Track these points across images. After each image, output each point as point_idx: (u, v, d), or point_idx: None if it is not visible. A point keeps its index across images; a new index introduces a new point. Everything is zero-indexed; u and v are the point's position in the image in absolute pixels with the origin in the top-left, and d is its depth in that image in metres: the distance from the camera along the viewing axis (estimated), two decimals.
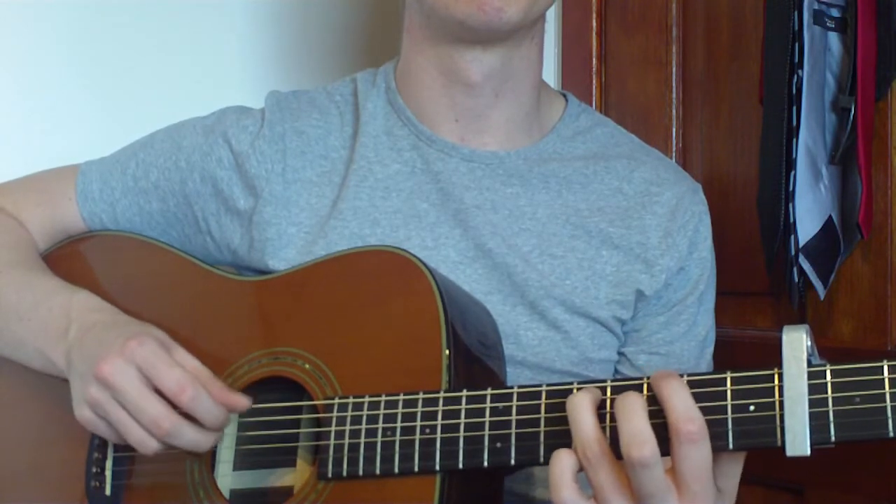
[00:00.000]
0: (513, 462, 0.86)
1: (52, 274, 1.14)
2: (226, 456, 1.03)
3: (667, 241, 1.13)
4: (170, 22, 1.64)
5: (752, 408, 0.79)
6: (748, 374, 0.80)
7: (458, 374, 0.92)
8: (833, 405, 0.77)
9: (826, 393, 0.77)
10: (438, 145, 1.14)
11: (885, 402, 0.75)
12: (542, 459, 0.85)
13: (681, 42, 1.65)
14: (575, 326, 1.10)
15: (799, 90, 1.32)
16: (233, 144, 1.15)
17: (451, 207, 1.12)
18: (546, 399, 0.86)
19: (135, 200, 1.18)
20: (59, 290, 1.10)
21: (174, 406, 0.96)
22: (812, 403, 0.77)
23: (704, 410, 0.79)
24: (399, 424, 0.91)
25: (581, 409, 0.81)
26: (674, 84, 1.65)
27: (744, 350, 1.48)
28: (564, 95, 1.23)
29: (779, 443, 0.78)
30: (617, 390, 0.83)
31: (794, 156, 1.32)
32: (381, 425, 0.91)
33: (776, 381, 0.79)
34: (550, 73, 1.78)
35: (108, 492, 1.05)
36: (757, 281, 1.47)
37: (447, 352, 0.92)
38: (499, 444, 0.87)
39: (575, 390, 0.84)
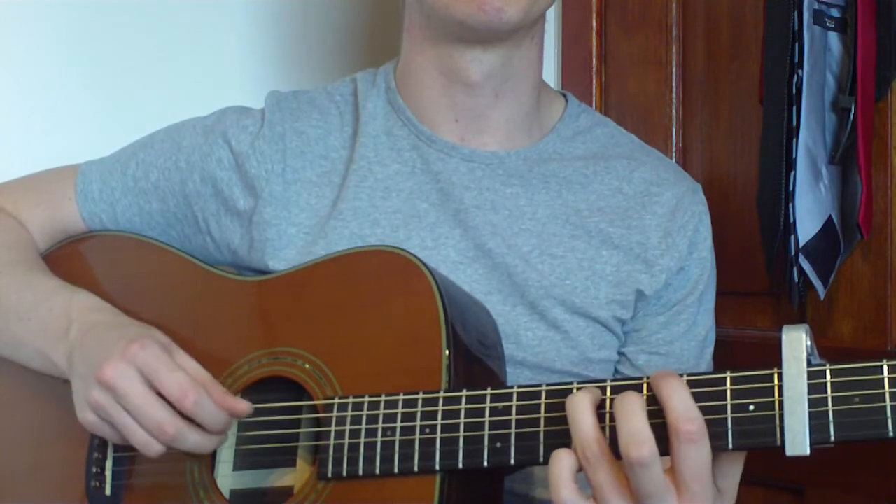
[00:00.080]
0: (512, 462, 0.86)
1: (52, 274, 1.14)
2: (226, 456, 1.04)
3: (667, 241, 1.13)
4: (170, 22, 1.63)
5: (751, 407, 0.79)
6: (748, 374, 0.80)
7: (457, 374, 0.92)
8: (833, 405, 0.77)
9: (826, 393, 0.77)
10: (438, 145, 1.14)
11: (884, 401, 0.76)
12: (541, 459, 0.85)
13: (681, 42, 1.65)
14: (575, 326, 1.10)
15: (799, 90, 1.32)
16: (233, 145, 1.15)
17: (451, 207, 1.12)
18: (546, 399, 0.86)
19: (135, 200, 1.18)
20: (59, 290, 1.10)
21: (176, 410, 0.96)
22: (812, 403, 0.77)
23: (704, 410, 0.79)
24: (399, 424, 0.91)
25: (580, 408, 0.81)
26: (674, 84, 1.65)
27: (744, 350, 1.48)
28: (564, 95, 1.23)
29: (778, 443, 0.78)
30: (616, 390, 0.83)
31: (794, 156, 1.32)
32: (380, 425, 0.91)
33: (776, 381, 0.79)
34: (550, 73, 1.78)
35: (108, 492, 1.05)
36: (757, 281, 1.47)
37: (447, 352, 0.92)
38: (498, 444, 0.87)
39: (575, 390, 0.84)
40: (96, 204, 1.19)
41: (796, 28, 1.32)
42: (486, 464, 0.87)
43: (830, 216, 1.35)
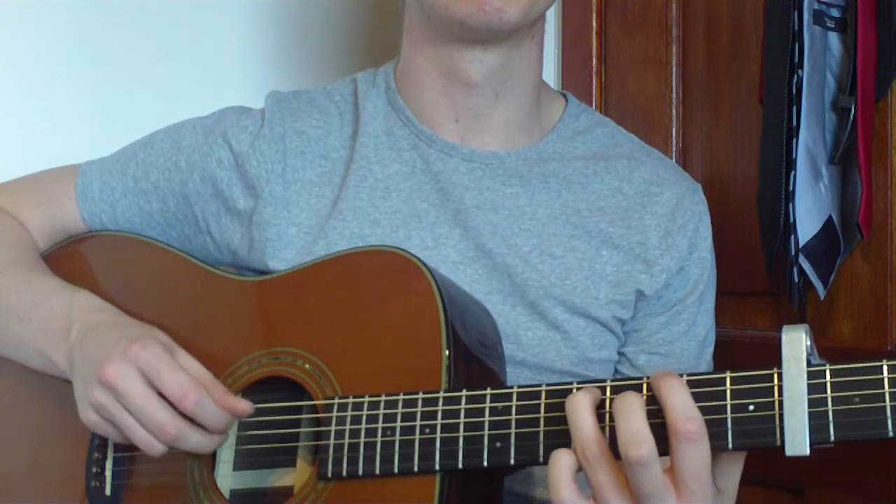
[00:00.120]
0: (512, 462, 0.86)
1: (52, 274, 1.14)
2: (226, 456, 1.04)
3: (667, 241, 1.13)
4: (170, 22, 1.64)
5: (751, 407, 0.79)
6: (748, 374, 0.80)
7: (457, 374, 0.92)
8: (832, 405, 0.77)
9: (825, 393, 0.77)
10: (438, 145, 1.14)
11: (884, 401, 0.76)
12: (541, 459, 0.85)
13: (681, 42, 1.65)
14: (575, 326, 1.10)
15: (799, 90, 1.32)
16: (233, 145, 1.15)
17: (450, 207, 1.12)
18: (546, 399, 0.86)
19: (135, 201, 1.18)
20: (59, 290, 1.10)
21: (178, 410, 0.96)
22: (811, 403, 0.77)
23: (704, 410, 0.79)
24: (399, 424, 0.91)
25: (580, 408, 0.81)
26: (674, 84, 1.65)
27: (744, 350, 1.48)
28: (564, 95, 1.23)
29: (778, 442, 0.78)
30: (616, 390, 0.83)
31: (794, 156, 1.32)
32: (380, 425, 0.91)
33: (775, 381, 0.79)
34: (550, 73, 1.78)
35: (108, 492, 1.05)
36: (757, 281, 1.47)
37: (447, 352, 0.92)
38: (498, 444, 0.87)
39: (574, 390, 0.84)
40: (96, 204, 1.19)
41: (796, 28, 1.32)
42: (485, 464, 0.87)
43: (830, 216, 1.35)
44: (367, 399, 0.93)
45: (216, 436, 0.98)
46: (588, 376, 1.10)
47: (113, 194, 1.19)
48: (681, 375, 0.81)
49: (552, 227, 1.12)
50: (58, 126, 1.55)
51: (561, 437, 0.83)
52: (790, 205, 1.33)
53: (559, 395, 0.85)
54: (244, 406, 0.97)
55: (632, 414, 0.79)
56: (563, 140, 1.18)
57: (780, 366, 0.79)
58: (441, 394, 0.90)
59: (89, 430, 1.03)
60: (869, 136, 1.32)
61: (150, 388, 0.96)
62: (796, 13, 1.32)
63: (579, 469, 0.81)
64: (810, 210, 1.33)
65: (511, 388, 0.88)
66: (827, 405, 0.77)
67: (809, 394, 0.77)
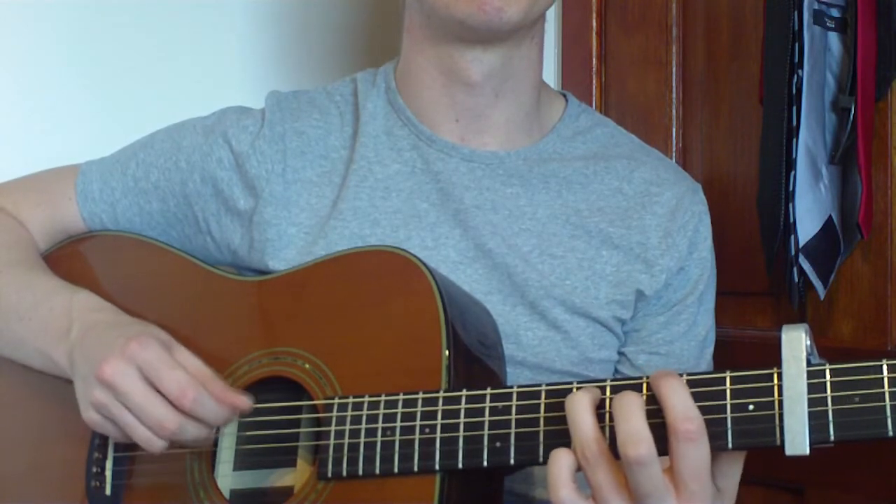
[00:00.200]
0: (512, 462, 0.86)
1: (52, 273, 1.14)
2: (226, 456, 1.04)
3: (667, 241, 1.13)
4: (170, 22, 1.63)
5: (751, 407, 0.79)
6: (747, 374, 0.80)
7: (457, 374, 0.92)
8: (832, 405, 0.77)
9: (825, 392, 0.77)
10: (438, 145, 1.14)
11: (884, 401, 0.75)
12: (541, 459, 0.85)
13: (681, 42, 1.65)
14: (575, 326, 1.10)
15: (799, 90, 1.32)
16: (233, 145, 1.15)
17: (451, 207, 1.12)
18: (545, 399, 0.86)
19: (135, 201, 1.18)
20: (59, 289, 1.10)
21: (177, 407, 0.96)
22: (811, 403, 0.77)
23: (704, 410, 0.79)
24: (399, 424, 0.91)
25: (580, 408, 0.81)
26: (674, 84, 1.65)
27: (744, 350, 1.48)
28: (564, 95, 1.23)
29: (778, 442, 0.78)
30: (616, 390, 0.83)
31: (794, 156, 1.32)
32: (380, 425, 0.91)
33: (775, 381, 0.79)
34: (550, 73, 1.78)
35: (108, 492, 1.05)
36: (757, 281, 1.47)
37: (447, 352, 0.92)
38: (498, 444, 0.87)
39: (574, 390, 0.84)
40: (96, 204, 1.19)
41: (796, 28, 1.32)
42: (485, 464, 0.87)
43: (830, 216, 1.35)
44: (367, 399, 0.93)
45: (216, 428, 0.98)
46: (588, 376, 1.10)
47: (113, 194, 1.19)
48: (681, 375, 0.81)
49: (552, 227, 1.12)
50: (58, 126, 1.55)
51: (561, 437, 0.83)
52: (790, 205, 1.33)
53: (559, 395, 0.85)
54: (243, 401, 0.97)
55: (631, 414, 0.79)
56: (563, 140, 1.18)
57: (779, 366, 0.79)
58: (441, 394, 0.90)
59: (89, 429, 1.04)
60: (869, 136, 1.32)
61: (149, 385, 0.96)
62: (796, 13, 1.32)
63: (579, 469, 0.81)
64: (810, 210, 1.33)
65: (511, 388, 0.88)
66: (827, 405, 0.77)
67: (809, 393, 0.77)
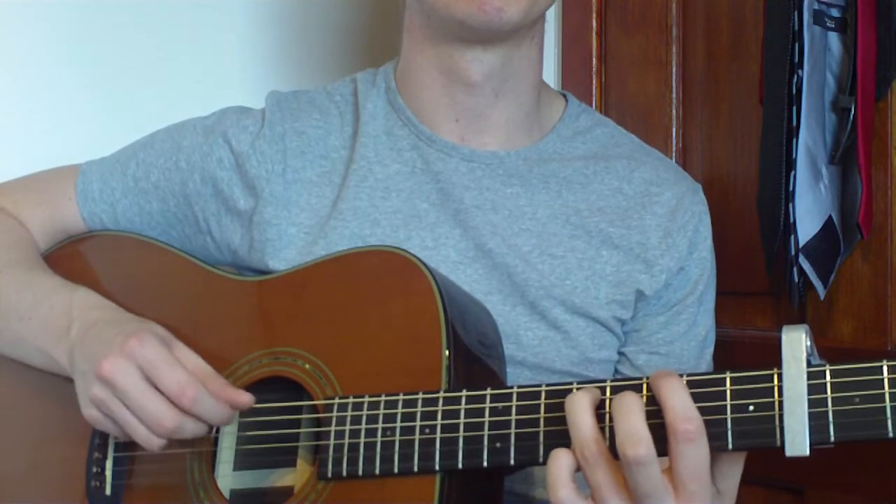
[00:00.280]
0: (512, 462, 0.86)
1: (52, 273, 1.14)
2: (226, 456, 1.04)
3: (667, 242, 1.13)
4: (170, 22, 1.63)
5: (751, 408, 0.79)
6: (748, 374, 0.80)
7: (457, 374, 0.92)
8: (832, 405, 0.77)
9: (825, 393, 0.77)
10: (438, 145, 1.14)
11: (884, 402, 0.75)
12: (541, 459, 0.85)
13: (681, 42, 1.65)
14: (575, 326, 1.10)
15: (799, 90, 1.32)
16: (233, 145, 1.15)
17: (451, 207, 1.12)
18: (545, 399, 0.86)
19: (135, 201, 1.18)
20: (59, 288, 1.10)
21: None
22: (811, 403, 0.77)
23: (704, 410, 0.79)
24: (399, 424, 0.91)
25: (579, 408, 0.81)
26: (674, 84, 1.65)
27: (744, 350, 1.48)
28: (564, 95, 1.23)
29: (778, 443, 0.78)
30: (616, 390, 0.83)
31: (794, 156, 1.32)
32: (380, 425, 0.91)
33: (775, 382, 0.79)
34: (550, 73, 1.78)
35: (108, 491, 1.05)
36: (757, 281, 1.47)
37: (447, 352, 0.92)
38: (498, 444, 0.87)
39: (574, 390, 0.84)
40: (97, 204, 1.19)
41: (796, 28, 1.32)
42: (485, 464, 0.87)
43: (830, 216, 1.35)
44: (367, 399, 0.93)
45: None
46: (588, 376, 1.10)
47: (113, 194, 1.19)
48: (681, 376, 0.81)
49: (552, 227, 1.12)
50: (58, 126, 1.55)
51: (561, 437, 0.83)
52: (790, 205, 1.33)
53: (559, 396, 0.85)
54: (244, 397, 0.97)
55: (630, 413, 0.79)
56: (563, 140, 1.18)
57: (780, 366, 0.79)
58: (441, 394, 0.90)
59: (90, 429, 1.04)
60: (869, 136, 1.32)
61: (148, 383, 0.96)
62: (796, 13, 1.32)
63: (578, 469, 0.81)
64: (810, 210, 1.33)
65: (511, 388, 0.88)
66: (827, 405, 0.77)
67: (809, 394, 0.77)
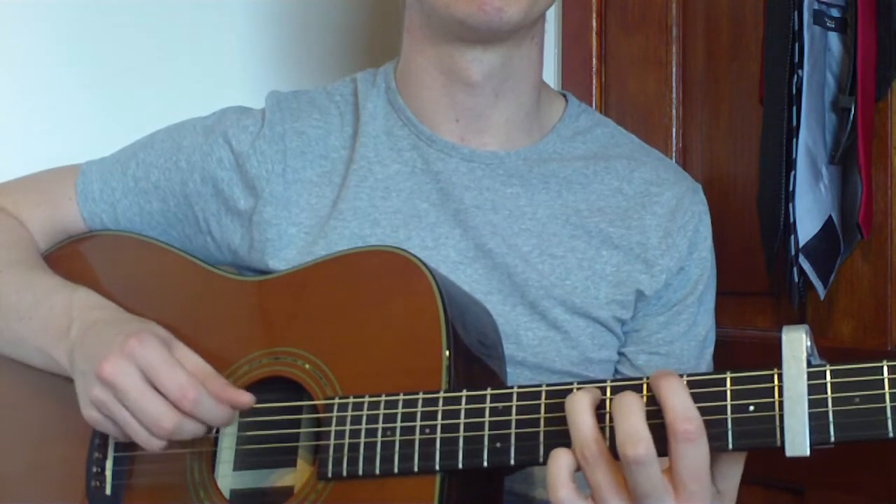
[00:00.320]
0: (512, 462, 0.86)
1: (52, 272, 1.14)
2: (226, 456, 1.04)
3: (667, 242, 1.13)
4: (170, 22, 1.63)
5: (751, 408, 0.79)
6: (748, 375, 0.80)
7: (458, 374, 0.92)
8: (833, 405, 0.77)
9: (826, 393, 0.77)
10: (438, 145, 1.14)
11: (884, 402, 0.76)
12: (541, 459, 0.85)
13: (681, 42, 1.65)
14: (575, 326, 1.10)
15: (799, 90, 1.32)
16: (233, 145, 1.15)
17: (451, 207, 1.12)
18: (546, 399, 0.86)
19: (135, 201, 1.18)
20: (59, 288, 1.10)
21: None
22: (812, 404, 0.77)
23: (704, 410, 0.79)
24: (399, 424, 0.91)
25: (579, 408, 0.81)
26: (674, 84, 1.65)
27: (744, 350, 1.48)
28: (564, 96, 1.23)
29: (778, 443, 0.78)
30: (616, 390, 0.83)
31: (794, 156, 1.32)
32: (380, 425, 0.91)
33: (776, 382, 0.79)
34: (550, 73, 1.78)
35: (108, 491, 1.05)
36: (757, 281, 1.47)
37: (447, 352, 0.92)
38: (498, 444, 0.87)
39: (575, 390, 0.84)
40: (97, 204, 1.19)
41: (796, 28, 1.32)
42: (486, 464, 0.87)
43: (830, 216, 1.35)
44: (367, 399, 0.93)
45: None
46: (588, 376, 1.10)
47: (113, 194, 1.19)
48: (681, 376, 0.81)
49: (552, 227, 1.12)
50: (58, 126, 1.55)
51: (561, 437, 0.83)
52: (790, 205, 1.33)
53: (559, 396, 0.85)
54: (245, 398, 0.97)
55: (630, 413, 0.79)
56: (563, 140, 1.18)
57: (780, 366, 0.79)
58: (441, 394, 0.90)
59: (90, 429, 1.04)
60: (869, 136, 1.32)
61: (148, 384, 0.96)
62: (796, 13, 1.32)
63: (578, 469, 0.81)
64: (810, 210, 1.33)
65: (511, 388, 0.88)
66: (827, 406, 0.77)
67: (809, 394, 0.77)
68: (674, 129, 1.65)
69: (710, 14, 1.60)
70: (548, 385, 0.87)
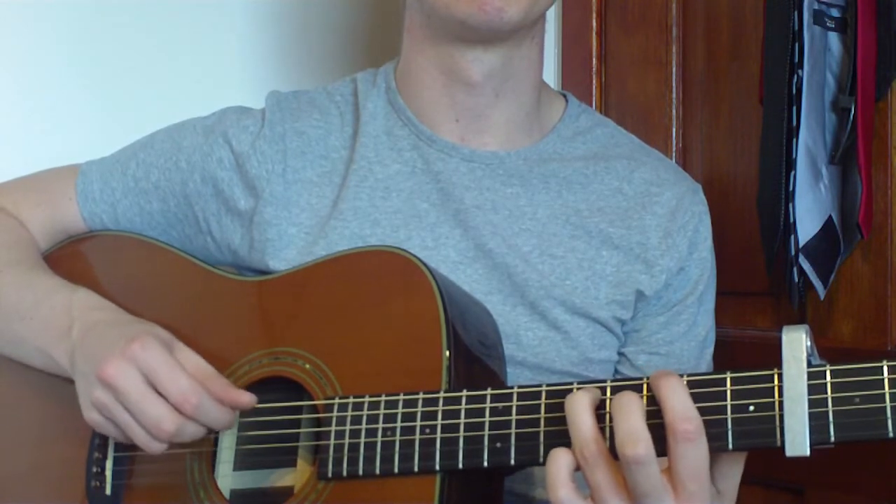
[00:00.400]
0: (512, 462, 0.86)
1: (52, 273, 1.14)
2: (226, 456, 1.04)
3: (667, 242, 1.13)
4: (170, 22, 1.63)
5: (751, 408, 0.79)
6: (748, 375, 0.80)
7: (458, 374, 0.92)
8: (833, 405, 0.77)
9: (826, 393, 0.77)
10: (439, 145, 1.14)
11: (884, 402, 0.76)
12: (541, 459, 0.85)
13: (681, 42, 1.65)
14: (575, 327, 1.10)
15: (799, 90, 1.32)
16: (233, 145, 1.15)
17: (451, 207, 1.12)
18: (546, 399, 0.86)
19: (135, 201, 1.18)
20: (59, 288, 1.10)
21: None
22: (812, 404, 0.77)
23: (704, 410, 0.79)
24: (399, 424, 0.91)
25: (579, 408, 0.81)
26: (674, 84, 1.65)
27: (744, 350, 1.48)
28: (564, 96, 1.23)
29: (778, 443, 0.78)
30: (616, 390, 0.83)
31: (794, 156, 1.32)
32: (381, 425, 0.91)
33: (776, 382, 0.79)
34: (550, 73, 1.78)
35: (108, 491, 1.05)
36: (757, 281, 1.47)
37: (447, 352, 0.92)
38: (498, 444, 0.87)
39: (575, 390, 0.84)
40: (97, 204, 1.19)
41: (796, 28, 1.32)
42: (486, 464, 0.87)
43: (830, 216, 1.35)
44: (367, 399, 0.93)
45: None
46: (588, 376, 1.10)
47: (114, 194, 1.19)
48: (681, 376, 0.81)
49: (552, 227, 1.12)
50: (58, 126, 1.55)
51: (561, 437, 0.83)
52: (790, 205, 1.33)
53: (559, 396, 0.85)
54: (246, 398, 0.97)
55: (630, 413, 0.79)
56: (564, 140, 1.18)
57: (780, 366, 0.79)
58: (441, 394, 0.90)
59: (90, 429, 1.04)
60: (869, 136, 1.32)
61: (149, 386, 0.96)
62: (796, 13, 1.32)
63: (578, 468, 0.81)
64: (810, 210, 1.33)
65: (511, 388, 0.88)
66: (827, 406, 0.77)
67: (810, 394, 0.77)
68: (674, 129, 1.65)
69: (710, 14, 1.60)
70: (548, 385, 0.87)
